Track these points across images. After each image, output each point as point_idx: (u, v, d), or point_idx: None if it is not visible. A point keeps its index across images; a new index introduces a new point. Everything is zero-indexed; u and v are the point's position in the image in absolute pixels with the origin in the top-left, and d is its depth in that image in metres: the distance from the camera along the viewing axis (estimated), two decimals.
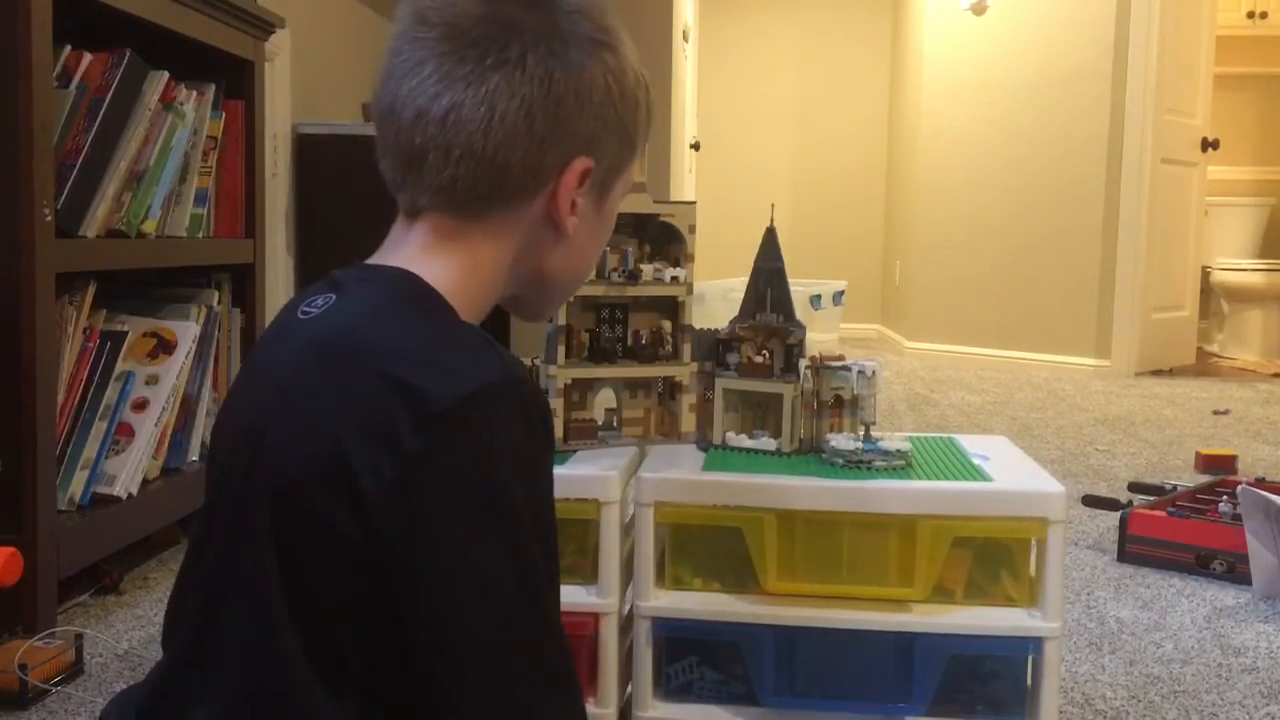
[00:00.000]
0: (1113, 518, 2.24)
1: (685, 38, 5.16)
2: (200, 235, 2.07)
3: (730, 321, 1.37)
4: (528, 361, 1.33)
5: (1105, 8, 4.62)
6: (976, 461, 1.33)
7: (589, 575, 1.26)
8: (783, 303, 1.35)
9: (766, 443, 1.35)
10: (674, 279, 1.35)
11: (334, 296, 0.76)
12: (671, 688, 1.30)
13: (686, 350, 1.36)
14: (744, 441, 1.36)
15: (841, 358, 1.38)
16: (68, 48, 1.68)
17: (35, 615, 1.54)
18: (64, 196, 1.63)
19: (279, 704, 0.68)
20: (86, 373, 1.76)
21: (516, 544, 0.68)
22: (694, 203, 1.42)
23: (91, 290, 1.76)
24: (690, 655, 1.30)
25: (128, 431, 1.82)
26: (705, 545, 1.30)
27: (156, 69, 1.84)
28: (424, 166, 0.76)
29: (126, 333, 1.85)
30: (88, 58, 1.71)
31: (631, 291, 1.34)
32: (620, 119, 0.80)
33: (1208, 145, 4.99)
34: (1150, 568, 2.07)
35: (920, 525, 1.21)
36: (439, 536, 0.66)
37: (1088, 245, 4.71)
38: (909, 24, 5.95)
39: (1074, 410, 3.86)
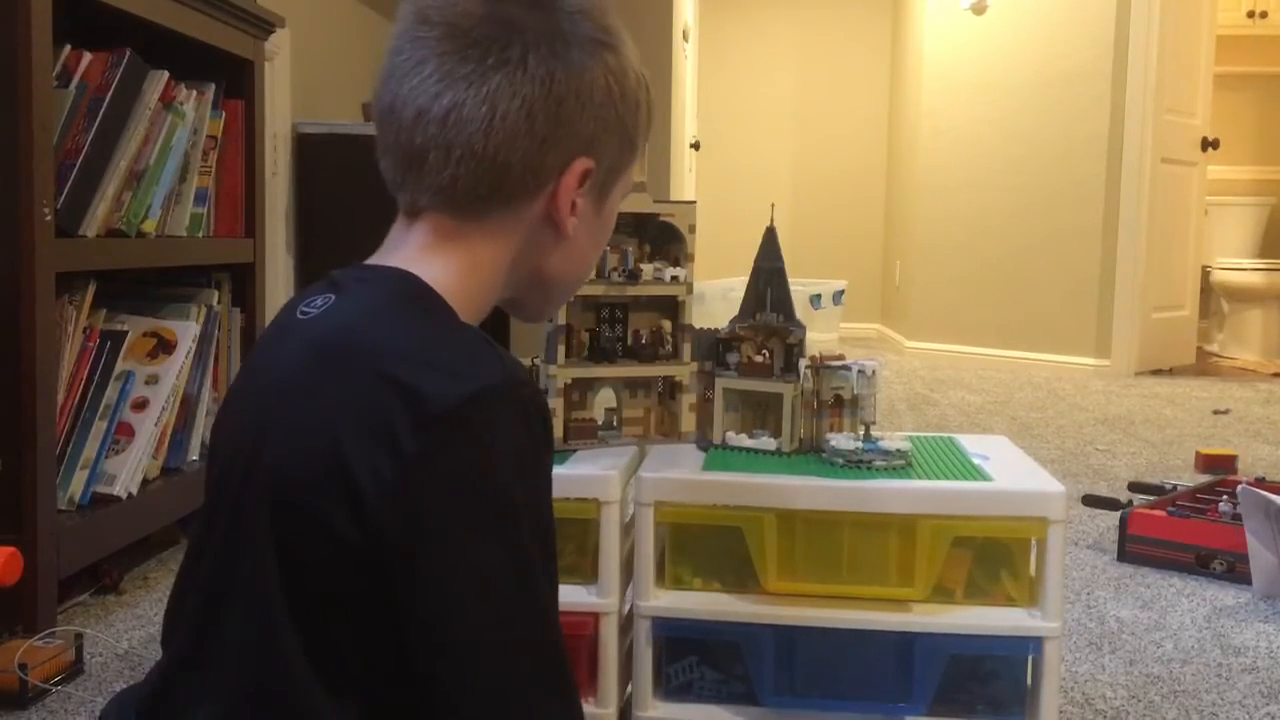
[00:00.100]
0: (1113, 518, 2.24)
1: (685, 38, 5.16)
2: (200, 235, 2.07)
3: (730, 321, 1.37)
4: (528, 361, 1.33)
5: (1105, 8, 4.62)
6: (976, 461, 1.33)
7: (589, 575, 1.26)
8: (783, 302, 1.35)
9: (766, 442, 1.35)
10: (674, 279, 1.35)
11: (333, 297, 0.76)
12: (671, 688, 1.30)
13: (686, 350, 1.36)
14: (744, 441, 1.36)
15: (841, 357, 1.38)
16: (68, 47, 1.68)
17: (35, 615, 1.54)
18: (64, 196, 1.63)
19: (279, 704, 0.68)
20: (86, 372, 1.76)
21: (516, 544, 0.68)
22: (694, 202, 1.42)
23: (91, 290, 1.75)
24: (690, 655, 1.30)
25: (128, 431, 1.82)
26: (705, 545, 1.30)
27: (156, 69, 1.84)
28: (424, 166, 0.76)
29: (126, 332, 1.85)
30: (88, 57, 1.71)
31: (631, 291, 1.34)
32: (621, 120, 0.80)
33: (1208, 145, 4.99)
34: (1150, 567, 2.07)
35: (920, 525, 1.21)
36: (438, 537, 0.66)
37: (1088, 245, 4.71)
38: (909, 24, 5.95)
39: (1074, 410, 3.86)
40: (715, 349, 1.37)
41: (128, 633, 1.67)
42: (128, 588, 1.85)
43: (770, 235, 1.37)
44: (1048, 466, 2.19)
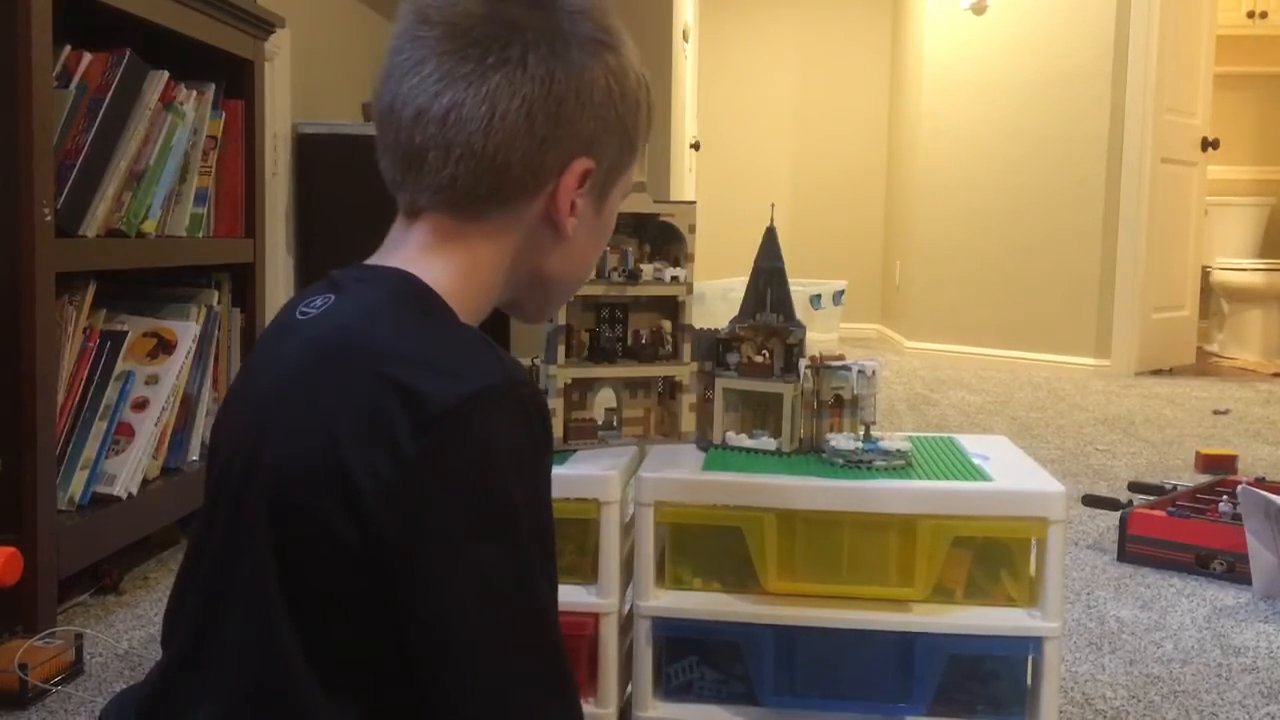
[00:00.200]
0: (1113, 518, 2.24)
1: (685, 38, 5.16)
2: (200, 235, 2.07)
3: (730, 321, 1.37)
4: (527, 361, 1.33)
5: (1105, 8, 4.62)
6: (976, 461, 1.33)
7: (589, 575, 1.26)
8: (783, 302, 1.35)
9: (766, 442, 1.35)
10: (674, 279, 1.35)
11: (333, 297, 0.76)
12: (671, 688, 1.30)
13: (686, 350, 1.36)
14: (744, 441, 1.36)
15: (841, 357, 1.38)
16: (68, 48, 1.68)
17: (35, 615, 1.54)
18: (64, 196, 1.63)
19: (279, 704, 0.68)
20: (86, 372, 1.76)
21: (515, 545, 0.68)
22: (694, 203, 1.42)
23: (91, 290, 1.75)
24: (690, 655, 1.30)
25: (128, 431, 1.82)
26: (705, 545, 1.30)
27: (156, 69, 1.84)
28: (424, 165, 0.75)
29: (126, 332, 1.85)
30: (88, 58, 1.71)
31: (631, 291, 1.34)
32: (621, 120, 0.80)
33: (1208, 145, 4.99)
34: (1150, 568, 2.07)
35: (920, 525, 1.21)
36: (437, 537, 0.66)
37: (1087, 245, 4.72)
38: (909, 24, 5.95)
39: (1074, 410, 3.86)
40: (715, 349, 1.37)
41: (128, 633, 1.67)
42: (128, 588, 1.85)
43: (770, 235, 1.37)
44: (1048, 466, 2.19)
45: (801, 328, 1.34)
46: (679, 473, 1.27)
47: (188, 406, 1.99)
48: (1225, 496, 2.17)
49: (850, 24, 6.57)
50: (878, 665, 1.24)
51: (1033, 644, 1.23)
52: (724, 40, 6.54)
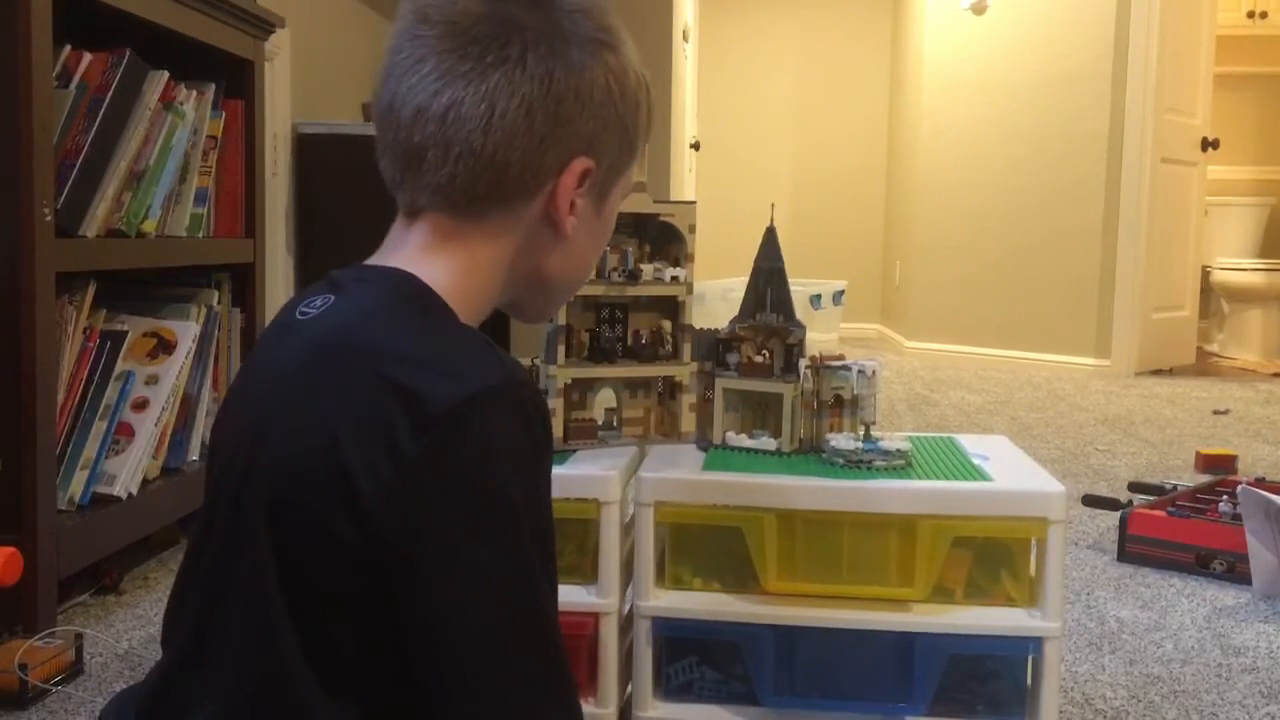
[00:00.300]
0: (1113, 518, 2.24)
1: (685, 38, 5.16)
2: (200, 235, 2.07)
3: (730, 321, 1.37)
4: (527, 361, 1.33)
5: (1105, 8, 4.62)
6: (976, 461, 1.33)
7: (589, 575, 1.26)
8: (783, 302, 1.35)
9: (766, 443, 1.35)
10: (674, 279, 1.35)
11: (333, 297, 0.76)
12: (671, 688, 1.30)
13: (686, 350, 1.36)
14: (744, 441, 1.36)
15: (841, 357, 1.38)
16: (68, 48, 1.68)
17: (35, 615, 1.54)
18: (64, 196, 1.63)
19: (279, 704, 0.68)
20: (86, 373, 1.76)
21: (515, 545, 0.68)
22: (694, 203, 1.42)
23: (91, 290, 1.75)
24: (690, 655, 1.30)
25: (128, 431, 1.82)
26: (705, 545, 1.30)
27: (156, 69, 1.84)
28: (423, 164, 0.75)
29: (126, 332, 1.85)
30: (88, 58, 1.71)
31: (631, 291, 1.34)
32: (621, 119, 0.80)
33: (1208, 145, 4.99)
34: (1150, 568, 2.07)
35: (920, 525, 1.21)
36: (437, 538, 0.66)
37: (1087, 245, 4.71)
38: (909, 24, 5.95)
39: (1074, 410, 3.86)
40: (715, 349, 1.37)
41: (128, 633, 1.67)
42: (128, 588, 1.85)
43: (770, 235, 1.37)
44: (1048, 466, 2.19)
45: (801, 328, 1.34)
46: (679, 473, 1.27)
47: (188, 406, 1.99)
48: (1225, 496, 2.17)
49: (850, 24, 6.57)
50: (878, 665, 1.24)
51: (1033, 644, 1.23)
52: (724, 40, 6.54)
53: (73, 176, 1.64)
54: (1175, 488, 2.40)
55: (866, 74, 6.55)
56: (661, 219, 1.34)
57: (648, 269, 1.33)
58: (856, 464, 1.27)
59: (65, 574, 1.64)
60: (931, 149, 5.34)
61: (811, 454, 1.34)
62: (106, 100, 1.71)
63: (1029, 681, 1.26)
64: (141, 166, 1.82)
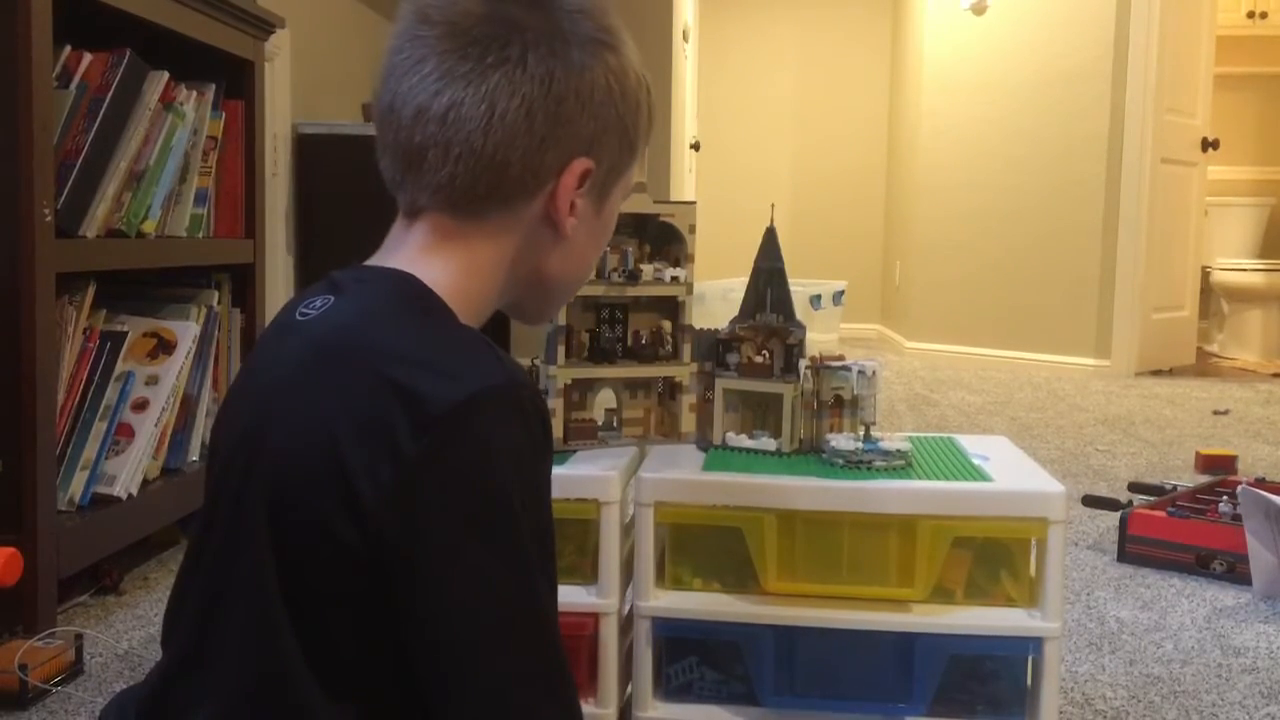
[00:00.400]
0: (1113, 518, 2.24)
1: (685, 38, 5.16)
2: (200, 235, 2.07)
3: (730, 321, 1.37)
4: (527, 362, 1.33)
5: (1105, 8, 4.62)
6: (976, 461, 1.33)
7: (589, 575, 1.26)
8: (783, 303, 1.35)
9: (766, 443, 1.35)
10: (674, 279, 1.35)
11: (333, 298, 0.76)
12: (671, 688, 1.30)
13: (686, 350, 1.36)
14: (744, 441, 1.36)
15: (841, 358, 1.38)
16: (68, 48, 1.68)
17: (35, 615, 1.54)
18: (64, 196, 1.63)
19: (278, 704, 0.68)
20: (86, 373, 1.76)
21: (514, 546, 0.68)
22: (694, 203, 1.42)
23: (91, 290, 1.75)
24: (690, 655, 1.30)
25: (128, 431, 1.82)
26: (705, 545, 1.30)
27: (156, 69, 1.84)
28: (423, 164, 0.76)
29: (126, 333, 1.85)
30: (88, 58, 1.71)
31: (631, 291, 1.34)
32: (621, 120, 0.80)
33: (1208, 145, 4.99)
34: (1150, 568, 2.07)
35: (920, 525, 1.21)
36: (437, 538, 0.66)
37: (1087, 245, 4.72)
38: (909, 24, 5.95)
39: (1074, 410, 3.86)
40: (715, 349, 1.37)
41: (128, 633, 1.67)
42: (128, 588, 1.85)
43: (770, 235, 1.37)
44: (1048, 467, 2.19)
45: (801, 328, 1.34)
46: (679, 473, 1.27)
47: (188, 407, 1.99)
48: (1225, 497, 2.17)
49: (850, 24, 6.57)
50: (878, 665, 1.24)
51: (1033, 644, 1.23)
52: (724, 40, 6.54)
53: (73, 177, 1.64)
54: (1175, 488, 2.39)
55: (866, 74, 6.55)
56: (661, 219, 1.34)
57: (648, 269, 1.33)
58: (856, 464, 1.27)
59: (65, 574, 1.64)
60: (931, 149, 5.34)
61: (811, 454, 1.34)
62: (106, 100, 1.71)
63: (1029, 682, 1.26)
64: (141, 167, 1.82)
